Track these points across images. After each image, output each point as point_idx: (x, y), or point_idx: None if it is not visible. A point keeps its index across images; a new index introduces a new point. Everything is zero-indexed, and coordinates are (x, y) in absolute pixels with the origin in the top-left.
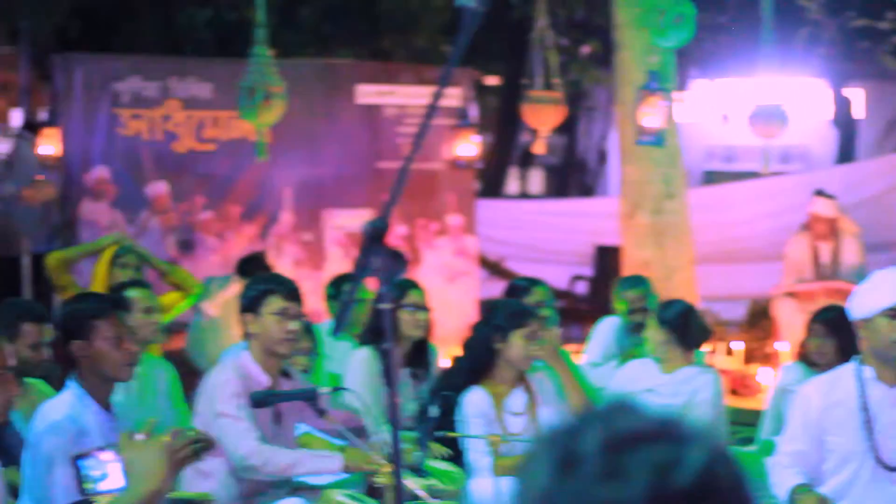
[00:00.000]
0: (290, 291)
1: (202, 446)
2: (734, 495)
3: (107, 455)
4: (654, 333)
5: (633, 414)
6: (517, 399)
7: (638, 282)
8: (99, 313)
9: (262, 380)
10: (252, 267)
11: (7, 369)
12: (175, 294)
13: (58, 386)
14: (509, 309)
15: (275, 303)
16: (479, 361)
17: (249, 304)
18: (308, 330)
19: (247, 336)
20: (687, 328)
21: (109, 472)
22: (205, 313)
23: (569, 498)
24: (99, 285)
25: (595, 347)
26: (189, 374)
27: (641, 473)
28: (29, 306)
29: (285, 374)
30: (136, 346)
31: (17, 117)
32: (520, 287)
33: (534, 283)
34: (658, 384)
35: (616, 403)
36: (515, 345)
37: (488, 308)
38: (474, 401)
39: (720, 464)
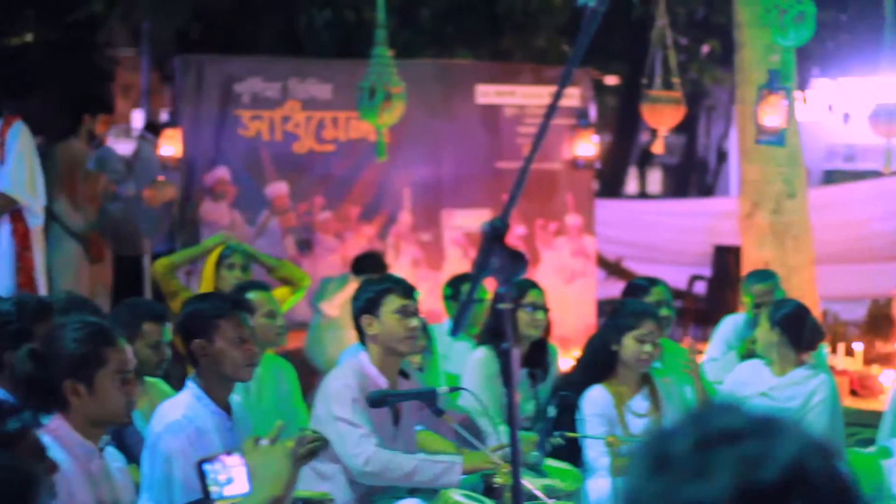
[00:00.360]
0: (407, 289)
1: (318, 446)
2: (828, 491)
3: (233, 460)
4: (765, 334)
5: (728, 413)
6: (641, 401)
7: (766, 276)
8: (222, 313)
9: (381, 382)
10: (367, 265)
11: (129, 371)
12: (284, 289)
13: (177, 385)
14: (623, 311)
15: (394, 301)
16: (597, 362)
17: (367, 306)
18: (423, 329)
19: (363, 338)
20: (799, 329)
21: (235, 477)
22: (323, 313)
23: (656, 497)
24: (206, 287)
25: (716, 344)
26: (307, 374)
27: (727, 470)
28: (149, 306)
29: (403, 374)
30: (256, 346)
31: (138, 118)
32: (639, 287)
33: (653, 282)
34: (771, 387)
35: (713, 404)
36: (627, 346)
37: (612, 309)
38: (594, 399)
39: (812, 458)
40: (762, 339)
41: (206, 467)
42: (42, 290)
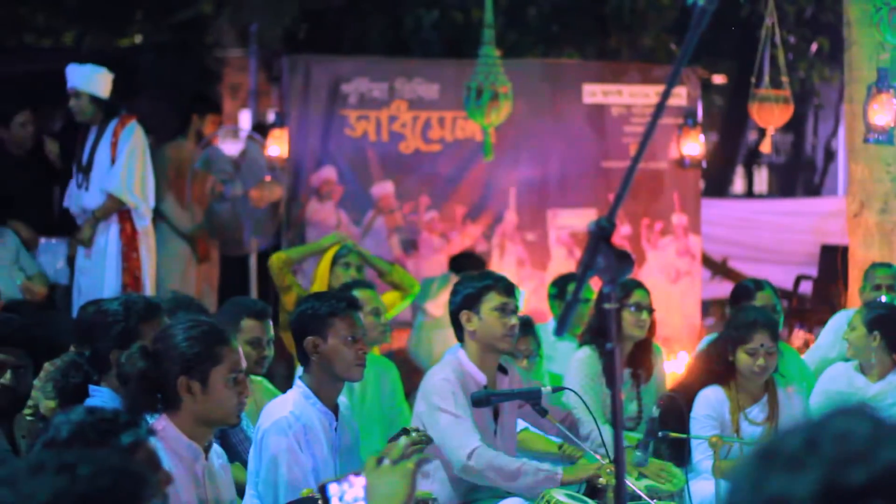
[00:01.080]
0: (507, 287)
1: (424, 445)
2: None
3: (360, 480)
4: (859, 338)
5: (851, 416)
6: (759, 410)
7: (889, 266)
8: (336, 311)
9: (480, 378)
10: (466, 264)
11: (241, 371)
12: (394, 294)
13: (280, 385)
14: (734, 322)
15: (494, 299)
16: (714, 370)
17: (466, 302)
18: (530, 330)
19: (461, 334)
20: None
21: (360, 497)
22: (427, 313)
23: (747, 486)
24: (320, 285)
25: (826, 336)
26: (411, 374)
27: (819, 466)
28: (249, 303)
29: (501, 369)
30: (367, 347)
31: (246, 119)
32: (745, 290)
33: (759, 285)
34: (873, 395)
35: (841, 407)
36: (741, 359)
37: (725, 316)
38: (709, 399)
39: None
40: (856, 343)
41: (331, 488)
42: (150, 291)
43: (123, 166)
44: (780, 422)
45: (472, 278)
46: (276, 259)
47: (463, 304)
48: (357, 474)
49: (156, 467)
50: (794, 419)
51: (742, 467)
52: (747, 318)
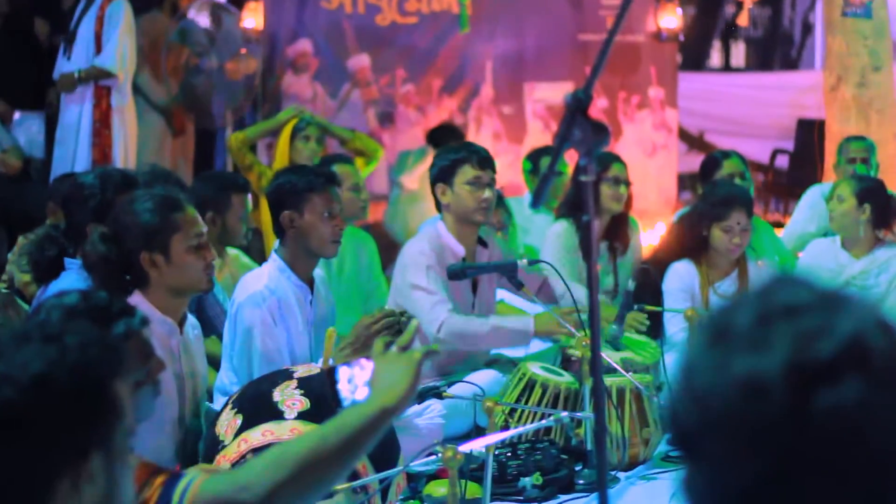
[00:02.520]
0: (482, 159)
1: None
2: (888, 369)
3: (369, 364)
4: (848, 211)
5: (794, 287)
6: (729, 284)
7: (863, 139)
8: (314, 186)
9: (458, 250)
10: (444, 137)
11: (202, 235)
12: (358, 160)
13: (256, 258)
14: (710, 198)
15: (467, 172)
16: (687, 244)
17: (441, 175)
18: (501, 202)
19: (439, 207)
20: (884, 205)
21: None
22: (403, 186)
23: (707, 369)
24: (281, 161)
25: (802, 211)
26: (388, 247)
27: (784, 343)
28: (234, 178)
29: (482, 242)
30: (344, 223)
31: None
32: (713, 160)
33: (726, 155)
34: (855, 273)
35: (781, 278)
36: (715, 236)
37: (703, 191)
38: (680, 273)
39: (873, 336)
40: (843, 216)
41: (340, 371)
42: (125, 165)
43: (119, 43)
44: None
45: (449, 150)
46: (233, 139)
47: (438, 176)
48: (368, 358)
49: (149, 355)
50: None
51: (693, 349)
52: (724, 195)
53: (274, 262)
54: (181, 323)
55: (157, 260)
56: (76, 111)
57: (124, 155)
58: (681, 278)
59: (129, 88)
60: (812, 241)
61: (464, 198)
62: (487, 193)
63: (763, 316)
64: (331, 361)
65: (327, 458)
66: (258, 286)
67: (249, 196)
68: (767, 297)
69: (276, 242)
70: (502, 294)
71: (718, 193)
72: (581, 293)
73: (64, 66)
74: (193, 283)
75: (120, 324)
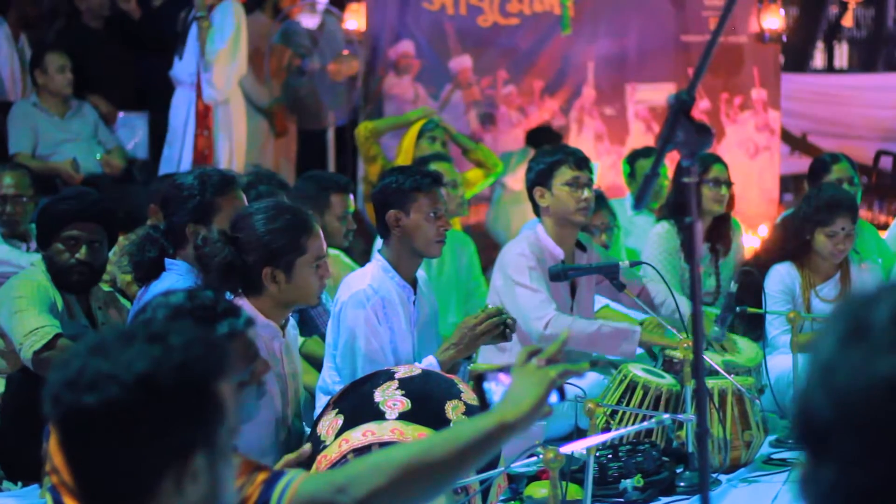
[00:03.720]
0: (579, 160)
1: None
2: None
3: (505, 378)
4: None
5: None
6: (830, 288)
7: None
8: (421, 187)
9: (557, 252)
10: (542, 138)
11: (324, 256)
12: (477, 171)
13: (358, 259)
14: (815, 202)
15: (565, 173)
16: (789, 248)
17: (539, 178)
18: (603, 203)
19: (537, 210)
20: None
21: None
22: (506, 187)
23: (849, 368)
24: (405, 158)
25: None
26: (489, 248)
27: None
28: (335, 178)
29: (580, 246)
30: (449, 223)
31: None
32: (822, 164)
33: (835, 159)
34: None
35: None
36: (819, 241)
37: (804, 193)
38: (781, 274)
39: None
40: None
41: (485, 385)
42: (229, 165)
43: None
44: None
45: (544, 153)
46: (362, 128)
47: (536, 180)
48: (506, 372)
49: (253, 356)
50: None
51: (829, 346)
52: (829, 200)
53: (378, 262)
54: (283, 326)
55: (279, 277)
56: (183, 112)
57: (229, 156)
58: (782, 280)
59: (235, 88)
60: None
61: (563, 199)
62: (586, 193)
63: None
64: (434, 360)
65: (432, 467)
66: (362, 285)
67: (351, 196)
68: None
69: (378, 242)
70: (604, 302)
71: (823, 197)
72: (682, 301)
73: (177, 67)
74: (306, 299)
75: (224, 324)
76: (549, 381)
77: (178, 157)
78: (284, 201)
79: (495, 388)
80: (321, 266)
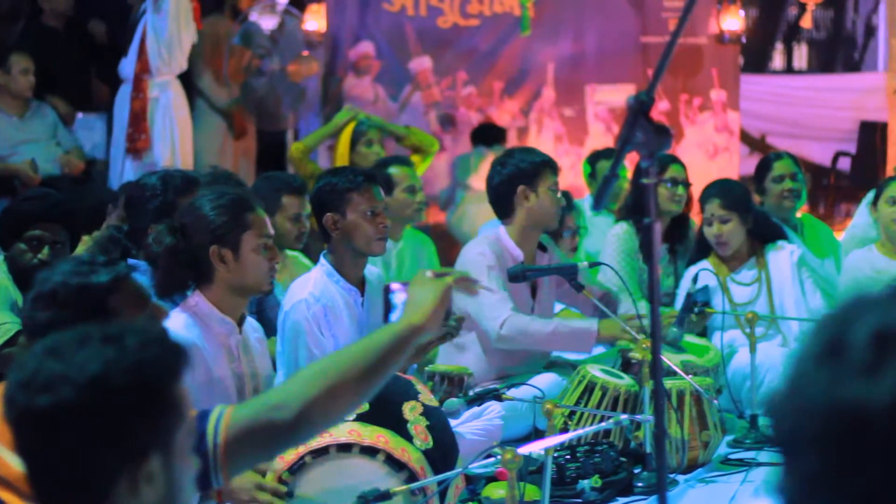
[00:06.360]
0: (554, 166)
1: (456, 326)
2: None
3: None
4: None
5: None
6: (746, 271)
7: None
8: (353, 186)
9: (517, 254)
10: (491, 135)
11: (270, 237)
12: (415, 157)
13: (316, 259)
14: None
15: (549, 178)
16: (702, 240)
17: (524, 176)
18: (572, 205)
19: (507, 209)
20: None
21: None
22: (470, 187)
23: (817, 386)
24: (342, 164)
25: (860, 218)
26: (449, 248)
27: (892, 374)
28: (288, 179)
29: (541, 247)
30: (388, 220)
31: None
32: (765, 160)
33: (778, 156)
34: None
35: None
36: (704, 232)
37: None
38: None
39: None
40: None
41: (390, 296)
42: (172, 164)
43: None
44: (773, 278)
45: (524, 153)
46: (295, 150)
47: (520, 178)
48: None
49: (142, 303)
50: (783, 277)
51: (806, 358)
52: (702, 194)
53: (322, 267)
54: (240, 323)
55: (226, 255)
56: (125, 109)
57: (171, 153)
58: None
59: (176, 82)
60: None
61: (547, 203)
62: (562, 198)
63: (880, 336)
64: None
65: (357, 374)
66: (303, 294)
67: (307, 198)
68: (885, 314)
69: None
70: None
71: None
72: (642, 307)
73: (123, 63)
74: (257, 283)
75: (103, 272)
76: (445, 285)
77: (123, 156)
78: (229, 189)
79: (397, 299)
80: (269, 249)
